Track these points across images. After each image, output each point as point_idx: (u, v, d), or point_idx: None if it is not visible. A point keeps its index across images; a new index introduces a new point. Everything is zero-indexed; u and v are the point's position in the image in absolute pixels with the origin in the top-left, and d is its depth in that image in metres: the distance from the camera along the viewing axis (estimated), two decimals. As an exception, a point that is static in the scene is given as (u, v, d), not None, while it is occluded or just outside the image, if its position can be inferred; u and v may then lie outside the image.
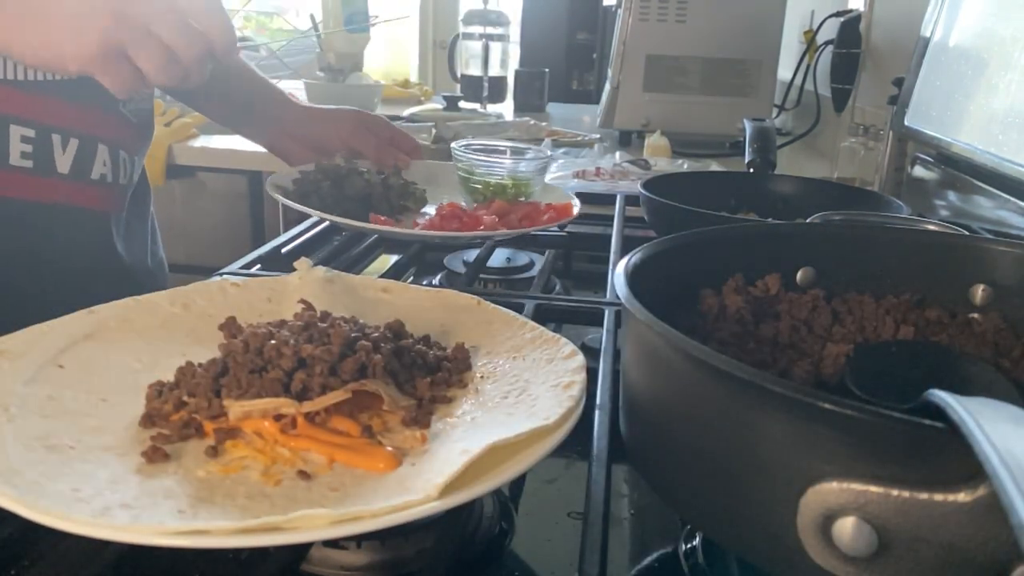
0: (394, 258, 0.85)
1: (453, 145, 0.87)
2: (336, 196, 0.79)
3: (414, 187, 0.86)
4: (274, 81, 0.95)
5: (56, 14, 0.52)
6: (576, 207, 0.81)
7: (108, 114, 0.69)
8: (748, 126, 0.97)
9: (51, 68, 0.56)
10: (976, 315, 0.48)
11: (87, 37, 0.52)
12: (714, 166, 1.38)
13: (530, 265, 0.84)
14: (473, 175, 0.85)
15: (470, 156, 0.85)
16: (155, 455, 0.35)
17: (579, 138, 1.63)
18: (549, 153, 0.88)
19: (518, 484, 0.47)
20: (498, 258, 0.84)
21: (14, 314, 0.45)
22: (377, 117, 0.91)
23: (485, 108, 2.00)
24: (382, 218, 0.76)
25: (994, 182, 0.81)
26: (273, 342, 0.39)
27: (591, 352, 0.58)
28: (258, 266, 0.71)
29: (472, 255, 0.81)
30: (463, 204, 0.83)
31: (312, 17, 1.78)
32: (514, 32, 2.34)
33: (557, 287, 0.80)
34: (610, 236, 0.84)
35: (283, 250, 0.77)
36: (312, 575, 0.39)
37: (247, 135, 0.96)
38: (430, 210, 0.84)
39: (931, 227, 0.60)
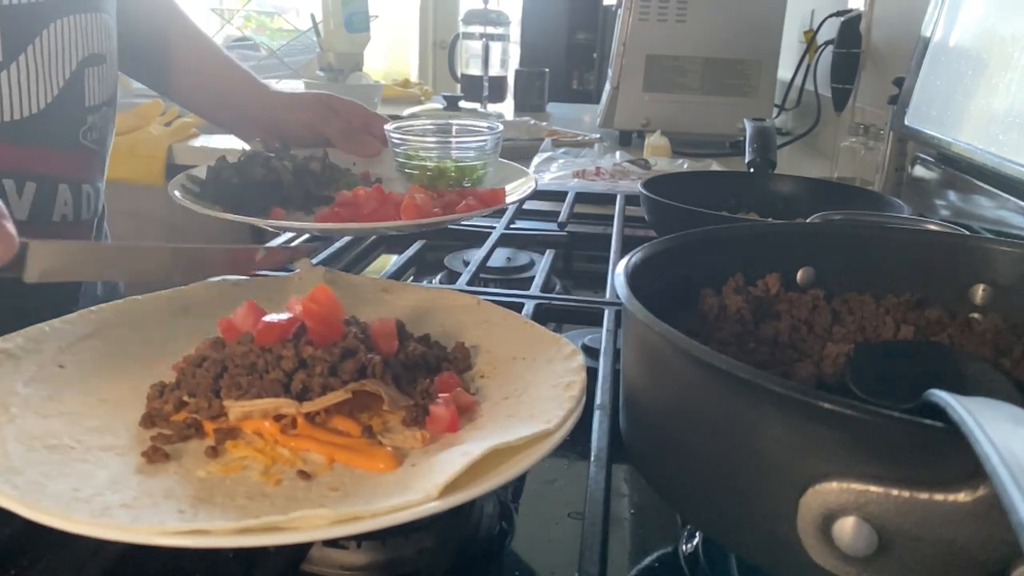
0: (394, 258, 0.85)
1: (387, 127, 0.75)
2: (239, 188, 0.67)
3: (347, 175, 0.75)
4: (273, 81, 0.93)
5: None
6: (512, 196, 0.69)
7: (69, 150, 0.64)
8: (748, 126, 0.97)
9: None
10: (976, 315, 0.48)
11: None
12: (714, 166, 1.38)
13: (530, 265, 0.84)
14: (410, 160, 0.73)
15: (403, 137, 0.74)
16: (155, 455, 0.35)
17: (579, 138, 1.63)
18: (499, 128, 0.74)
19: (518, 484, 0.47)
20: (498, 258, 0.84)
21: None
22: (348, 101, 0.82)
23: (485, 108, 2.00)
24: (280, 213, 0.65)
25: (994, 182, 0.81)
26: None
27: (591, 352, 0.58)
28: (258, 266, 0.71)
29: (472, 255, 0.81)
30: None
31: (312, 17, 1.78)
32: (514, 32, 2.34)
33: (557, 287, 0.80)
34: (610, 236, 0.84)
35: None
36: (312, 575, 0.39)
37: (223, 124, 0.89)
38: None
39: (931, 227, 0.60)
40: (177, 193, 0.64)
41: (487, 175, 0.74)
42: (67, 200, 0.65)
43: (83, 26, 0.64)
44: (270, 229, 0.64)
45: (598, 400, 0.47)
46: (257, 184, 0.67)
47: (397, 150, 0.74)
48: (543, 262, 0.78)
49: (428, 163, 0.72)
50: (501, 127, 0.74)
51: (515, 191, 0.71)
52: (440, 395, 0.40)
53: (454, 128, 0.77)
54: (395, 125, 0.75)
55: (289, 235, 0.80)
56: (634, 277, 0.40)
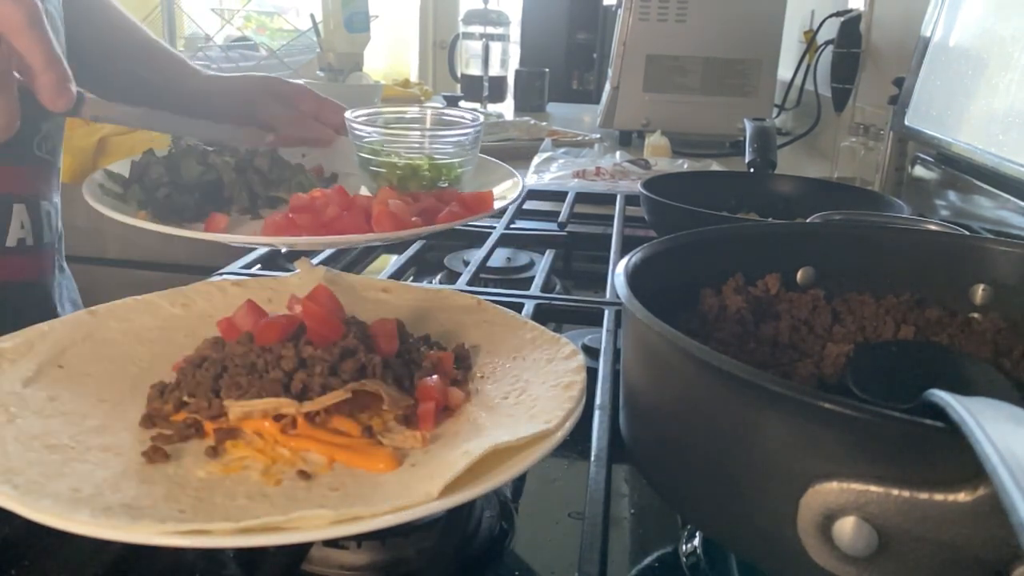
0: (394, 258, 0.85)
1: (347, 114, 0.64)
2: (171, 189, 0.56)
3: (298, 171, 0.64)
4: None
5: None
6: (499, 201, 0.59)
7: (22, 165, 0.58)
8: (748, 126, 0.97)
9: None
10: (976, 315, 0.48)
11: None
12: (714, 166, 1.38)
13: (530, 265, 0.84)
14: (376, 155, 0.62)
15: (367, 128, 0.62)
16: (155, 455, 0.35)
17: (579, 138, 1.63)
18: (480, 120, 0.64)
19: (518, 484, 0.47)
20: (498, 258, 0.84)
21: None
22: (295, 84, 0.72)
23: (485, 108, 2.00)
24: (224, 219, 0.54)
25: (994, 182, 0.81)
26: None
27: (591, 352, 0.58)
28: (258, 266, 0.71)
29: (472, 255, 0.81)
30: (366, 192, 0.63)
31: (312, 17, 1.78)
32: (514, 32, 2.34)
33: (557, 287, 0.80)
34: (610, 236, 0.84)
35: (283, 250, 0.77)
36: (312, 575, 0.39)
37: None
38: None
39: (931, 227, 0.60)
40: (90, 198, 0.52)
41: (465, 174, 0.64)
42: (23, 222, 0.58)
43: None
44: (207, 240, 0.52)
45: (598, 400, 0.47)
46: (191, 185, 0.57)
47: (360, 143, 0.62)
48: (543, 262, 0.78)
49: (397, 160, 0.61)
50: (482, 118, 0.65)
51: (502, 195, 0.62)
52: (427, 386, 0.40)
53: (428, 119, 0.67)
54: (357, 113, 0.64)
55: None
56: (634, 277, 0.40)
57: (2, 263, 0.58)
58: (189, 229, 0.51)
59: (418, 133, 0.65)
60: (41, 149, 0.60)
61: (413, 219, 0.52)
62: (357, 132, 0.62)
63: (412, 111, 0.69)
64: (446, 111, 0.69)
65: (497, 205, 0.58)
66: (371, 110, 0.66)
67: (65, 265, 0.72)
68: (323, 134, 0.68)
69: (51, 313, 0.64)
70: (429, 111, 0.68)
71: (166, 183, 0.56)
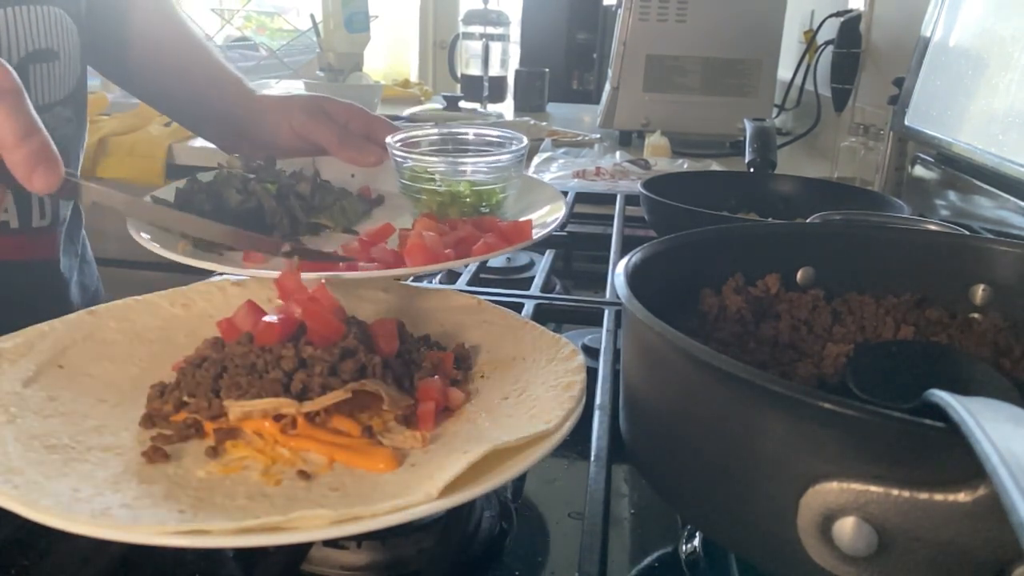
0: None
1: (389, 139, 0.63)
2: (215, 218, 0.55)
3: (341, 196, 0.62)
4: (273, 82, 0.89)
5: None
6: (539, 229, 0.55)
7: None
8: (748, 126, 0.97)
9: None
10: (976, 315, 0.48)
11: None
12: (714, 166, 1.38)
13: (530, 265, 0.84)
14: (416, 180, 0.61)
15: (408, 153, 0.61)
16: (155, 455, 0.35)
17: (579, 138, 1.63)
18: (524, 143, 0.61)
19: (518, 484, 0.47)
20: (498, 258, 0.84)
21: None
22: (345, 103, 0.71)
23: (485, 108, 2.00)
24: (258, 256, 0.53)
25: (994, 182, 0.81)
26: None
27: (591, 352, 0.58)
28: (258, 266, 0.71)
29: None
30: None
31: (312, 17, 1.78)
32: (514, 32, 2.34)
33: (557, 287, 0.80)
34: (610, 236, 0.84)
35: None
36: (312, 575, 0.39)
37: (207, 137, 0.81)
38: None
39: (931, 227, 0.60)
40: (133, 230, 0.51)
41: (508, 199, 0.61)
42: (8, 208, 0.59)
43: (24, 19, 0.59)
44: (239, 276, 0.51)
45: (598, 400, 0.47)
46: (233, 212, 0.56)
47: (401, 168, 0.61)
48: (543, 262, 0.78)
49: (438, 186, 0.60)
50: (526, 140, 0.62)
51: (543, 221, 0.58)
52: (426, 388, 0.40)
53: (470, 139, 0.65)
54: (398, 137, 0.63)
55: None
56: (634, 277, 0.40)
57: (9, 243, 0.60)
58: (228, 263, 0.51)
59: (458, 158, 0.63)
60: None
61: (447, 251, 0.50)
62: (397, 157, 0.62)
63: (454, 131, 0.67)
64: (489, 131, 0.66)
65: (536, 234, 0.54)
66: (414, 132, 0.64)
67: (85, 254, 0.74)
68: (373, 154, 0.67)
69: (62, 295, 0.67)
70: (472, 131, 0.66)
71: (208, 211, 0.56)
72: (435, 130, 0.66)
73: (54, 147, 0.42)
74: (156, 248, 0.50)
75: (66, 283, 0.70)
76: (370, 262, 0.51)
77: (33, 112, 0.41)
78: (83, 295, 0.73)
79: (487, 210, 0.61)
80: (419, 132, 0.65)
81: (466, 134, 0.66)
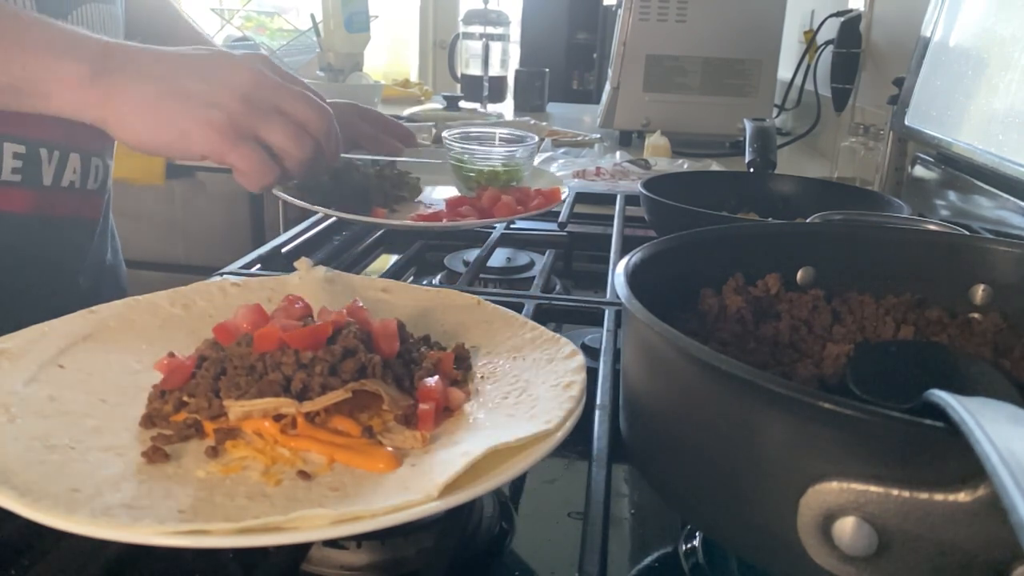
0: (394, 258, 0.85)
1: (445, 134, 0.87)
2: (336, 191, 0.77)
3: (409, 176, 0.86)
4: None
5: (180, 101, 0.54)
6: (565, 191, 0.81)
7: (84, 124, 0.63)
8: (748, 126, 0.97)
9: (171, 153, 0.57)
10: (976, 315, 0.48)
11: (216, 121, 0.55)
12: (714, 166, 1.38)
13: (530, 265, 0.84)
14: (465, 163, 0.85)
15: (463, 145, 0.86)
16: (155, 455, 0.35)
17: (579, 138, 1.63)
18: (536, 138, 0.88)
19: (518, 484, 0.47)
20: (498, 258, 0.84)
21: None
22: (369, 108, 0.90)
23: (485, 108, 2.00)
24: (383, 211, 0.76)
25: (994, 182, 0.82)
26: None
27: (591, 352, 0.58)
28: (258, 266, 0.71)
29: (472, 255, 0.81)
30: (456, 192, 0.85)
31: (312, 17, 1.78)
32: (514, 32, 2.34)
33: (557, 287, 0.80)
34: (610, 236, 0.84)
35: (283, 250, 0.77)
36: (312, 575, 0.39)
37: None
38: (425, 198, 0.85)
39: (931, 227, 0.60)
40: (281, 192, 0.70)
41: (527, 178, 0.87)
42: (76, 168, 0.70)
43: (100, 15, 0.70)
44: (380, 224, 0.77)
45: (598, 400, 0.47)
46: (351, 186, 0.79)
47: (452, 154, 0.86)
48: (543, 262, 0.78)
49: (483, 167, 0.84)
50: (537, 137, 0.89)
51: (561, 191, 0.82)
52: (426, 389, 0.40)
53: (498, 136, 0.91)
54: (451, 132, 0.88)
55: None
56: (634, 277, 0.40)
57: (58, 200, 0.69)
58: (362, 215, 0.72)
59: (495, 146, 0.88)
60: None
61: (518, 207, 0.75)
62: (452, 147, 0.86)
63: (485, 130, 0.92)
64: (511, 130, 0.92)
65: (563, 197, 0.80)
66: (462, 129, 0.90)
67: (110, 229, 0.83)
68: (395, 147, 0.87)
69: (101, 250, 0.77)
70: (498, 132, 0.92)
71: (332, 187, 0.76)
72: (476, 129, 0.91)
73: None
74: (303, 204, 0.69)
75: (106, 240, 0.81)
76: (461, 218, 0.72)
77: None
78: (114, 256, 0.83)
79: (516, 184, 0.84)
80: (462, 130, 0.89)
81: (493, 133, 0.91)
